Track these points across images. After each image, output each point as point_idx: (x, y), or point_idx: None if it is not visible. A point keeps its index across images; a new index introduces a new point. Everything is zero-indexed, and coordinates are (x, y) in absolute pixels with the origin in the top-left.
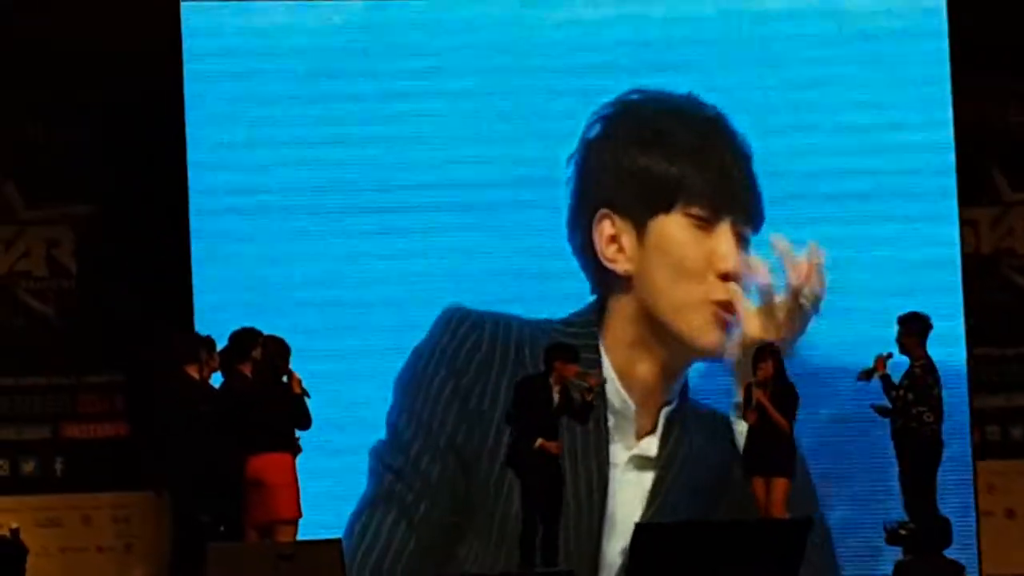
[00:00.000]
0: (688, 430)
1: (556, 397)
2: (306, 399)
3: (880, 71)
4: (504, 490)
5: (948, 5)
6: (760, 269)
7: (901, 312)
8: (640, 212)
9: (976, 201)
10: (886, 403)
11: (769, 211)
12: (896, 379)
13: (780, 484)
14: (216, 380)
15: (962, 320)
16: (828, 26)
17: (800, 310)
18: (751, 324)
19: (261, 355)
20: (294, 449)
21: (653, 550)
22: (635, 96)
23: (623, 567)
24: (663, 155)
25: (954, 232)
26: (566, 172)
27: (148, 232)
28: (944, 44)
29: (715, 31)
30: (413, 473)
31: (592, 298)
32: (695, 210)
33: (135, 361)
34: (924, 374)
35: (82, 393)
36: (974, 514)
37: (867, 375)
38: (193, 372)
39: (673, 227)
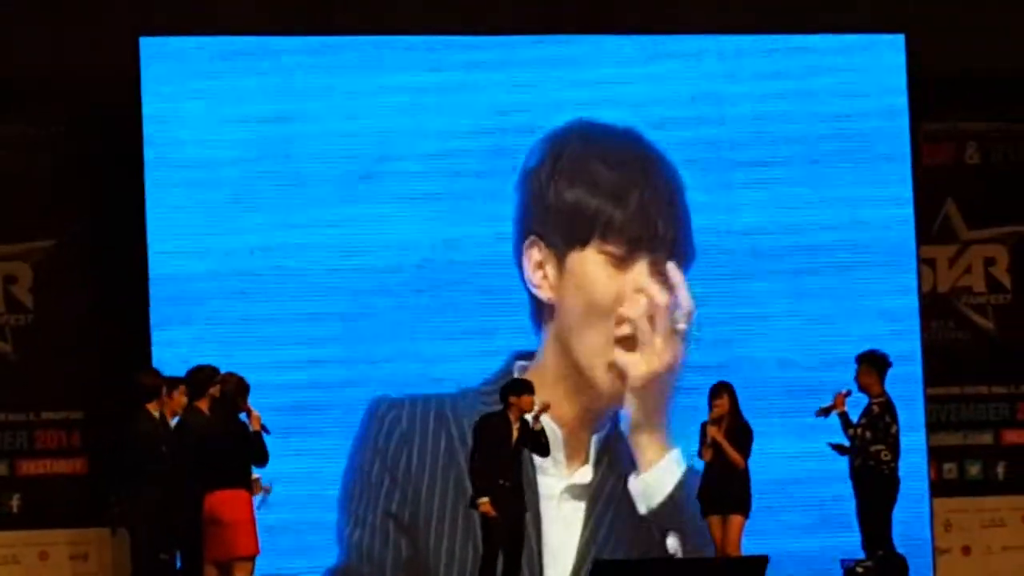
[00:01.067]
0: (620, 455)
1: (515, 432)
2: (264, 435)
3: (840, 111)
4: (444, 549)
5: (907, 49)
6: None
7: (860, 350)
8: (561, 243)
9: (934, 240)
10: (844, 440)
11: (724, 251)
12: (854, 416)
13: (736, 521)
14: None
15: (920, 358)
16: (786, 71)
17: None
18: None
19: (220, 392)
20: (250, 486)
21: None
22: (574, 127)
23: None
24: (585, 190)
25: (912, 271)
26: (513, 200)
27: (106, 268)
28: (903, 87)
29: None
30: (357, 559)
31: (504, 359)
32: (610, 247)
33: (93, 398)
34: (882, 412)
35: (39, 429)
36: (931, 551)
37: (825, 412)
38: (154, 409)
39: (588, 262)
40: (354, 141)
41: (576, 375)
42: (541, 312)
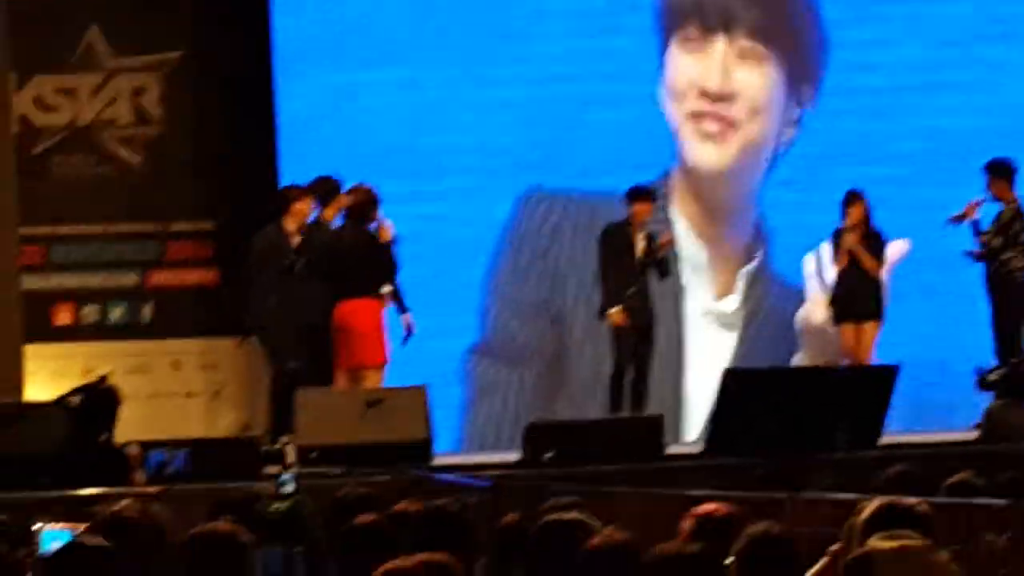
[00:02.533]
0: (768, 291)
1: (641, 242)
2: (396, 246)
3: None
4: (589, 345)
5: None
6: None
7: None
8: (663, 51)
9: None
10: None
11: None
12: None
13: (870, 328)
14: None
15: None
16: None
17: None
18: (814, 307)
19: (352, 201)
20: (382, 296)
21: (740, 394)
22: None
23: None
24: None
25: None
26: None
27: (234, 80)
28: None
29: None
30: (503, 344)
31: (660, 171)
32: (684, 33)
33: (224, 208)
34: (1013, 219)
35: (170, 240)
36: None
37: (958, 219)
38: (288, 223)
39: (672, 55)
40: None
41: (688, 177)
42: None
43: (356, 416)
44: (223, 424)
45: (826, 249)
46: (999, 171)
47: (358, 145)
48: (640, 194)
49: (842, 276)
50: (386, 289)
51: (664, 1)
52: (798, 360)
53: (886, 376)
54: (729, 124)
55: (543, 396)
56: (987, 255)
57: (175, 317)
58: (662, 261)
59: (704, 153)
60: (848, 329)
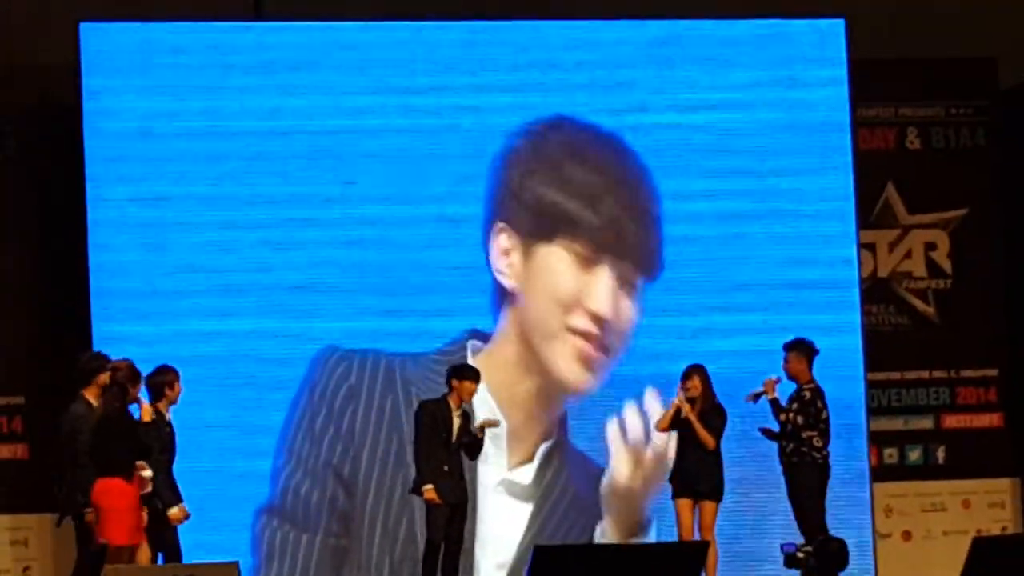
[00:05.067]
0: (566, 466)
1: (457, 420)
2: (157, 427)
3: (781, 96)
4: (380, 509)
5: (847, 34)
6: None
7: (801, 334)
8: (530, 233)
9: (874, 224)
10: (773, 426)
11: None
12: (783, 402)
13: (710, 507)
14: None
15: (860, 342)
16: (728, 51)
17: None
18: (620, 467)
19: (110, 379)
20: (131, 475)
21: (550, 571)
22: (556, 122)
23: None
24: (559, 189)
25: (852, 255)
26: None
27: (47, 257)
28: (843, 72)
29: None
30: (294, 505)
31: (463, 330)
32: (576, 246)
33: (34, 383)
34: (813, 398)
35: None
36: (871, 536)
37: (755, 397)
38: (90, 397)
39: (554, 256)
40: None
41: (530, 358)
42: (503, 297)
43: None
44: None
45: (630, 412)
46: (800, 350)
47: (168, 325)
48: (467, 372)
49: (682, 452)
50: (147, 473)
51: (546, 201)
52: (601, 529)
53: (695, 552)
54: (605, 351)
55: (332, 562)
56: (790, 434)
57: None
58: (473, 443)
59: (572, 372)
60: (685, 505)
